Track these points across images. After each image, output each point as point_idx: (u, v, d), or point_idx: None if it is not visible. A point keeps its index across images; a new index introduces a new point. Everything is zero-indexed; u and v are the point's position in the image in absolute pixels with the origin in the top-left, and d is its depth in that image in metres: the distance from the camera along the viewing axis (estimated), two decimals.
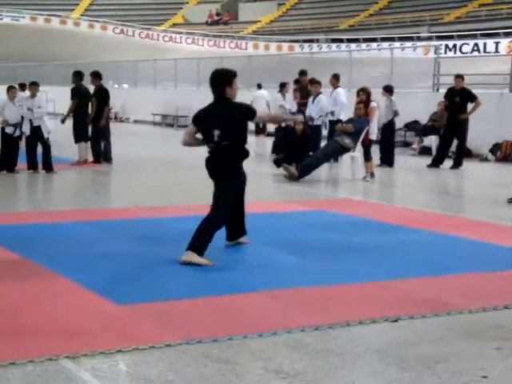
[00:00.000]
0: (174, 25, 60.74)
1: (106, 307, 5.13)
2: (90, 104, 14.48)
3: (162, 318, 4.89)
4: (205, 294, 5.45)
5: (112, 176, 13.92)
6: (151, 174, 13.48)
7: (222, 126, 6.60)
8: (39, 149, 13.27)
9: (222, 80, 6.74)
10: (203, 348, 4.33)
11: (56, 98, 26.74)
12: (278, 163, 13.63)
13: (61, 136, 15.14)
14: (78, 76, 14.63)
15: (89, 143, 14.62)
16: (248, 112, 6.83)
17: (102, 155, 14.70)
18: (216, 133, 6.63)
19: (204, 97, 28.65)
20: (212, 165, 6.80)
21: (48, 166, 13.17)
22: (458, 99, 14.79)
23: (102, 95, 14.70)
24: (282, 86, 17.22)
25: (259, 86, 23.27)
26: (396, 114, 15.33)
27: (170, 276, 6.00)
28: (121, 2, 63.65)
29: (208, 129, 6.71)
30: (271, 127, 17.29)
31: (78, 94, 14.37)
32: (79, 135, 14.38)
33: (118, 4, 63.64)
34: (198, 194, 11.36)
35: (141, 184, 12.25)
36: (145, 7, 62.27)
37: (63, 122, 14.46)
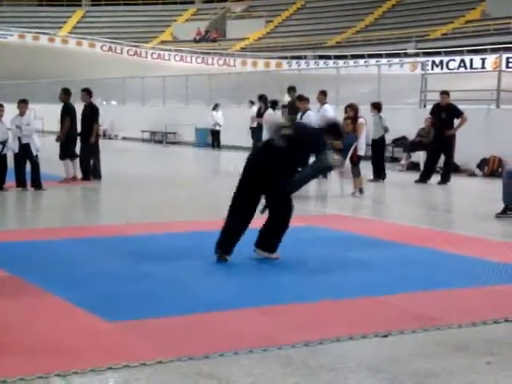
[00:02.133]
0: (163, 42, 60.87)
1: (97, 324, 5.12)
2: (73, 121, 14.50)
3: (153, 335, 4.88)
4: (196, 311, 5.44)
5: (101, 193, 13.91)
6: (141, 191, 13.48)
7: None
8: (28, 166, 13.27)
9: None
10: (194, 365, 4.33)
11: (44, 116, 26.74)
12: None
13: (50, 153, 15.12)
14: (67, 93, 14.65)
15: (77, 160, 14.62)
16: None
17: (91, 172, 14.70)
18: None
19: (192, 114, 28.81)
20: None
21: (37, 184, 13.15)
22: (444, 115, 14.88)
23: (92, 112, 14.72)
24: (275, 104, 17.24)
25: (252, 103, 23.35)
26: (386, 130, 15.49)
27: (160, 293, 5.99)
28: (109, 20, 63.78)
29: None
30: None
31: (70, 111, 14.38)
32: (65, 152, 14.36)
33: (106, 22, 63.76)
34: (187, 210, 11.38)
35: (130, 201, 12.24)
36: (133, 25, 62.41)
37: (58, 140, 14.47)
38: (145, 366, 4.30)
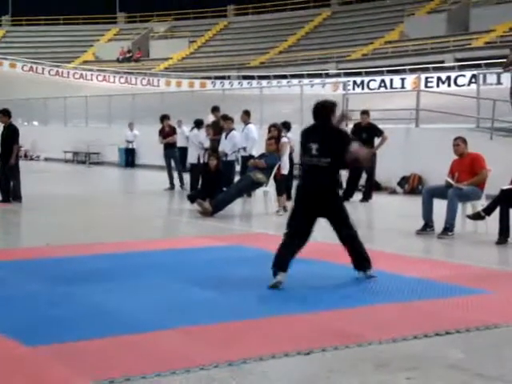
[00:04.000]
0: (85, 62, 60.29)
1: (15, 349, 5.00)
2: None
3: (73, 359, 4.80)
4: (117, 333, 5.37)
5: (21, 215, 13.63)
6: (62, 212, 13.28)
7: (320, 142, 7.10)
8: None
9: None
10: None
11: None
12: (191, 198, 13.65)
13: None
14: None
15: None
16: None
17: (11, 194, 14.41)
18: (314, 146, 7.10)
19: (116, 133, 28.49)
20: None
21: None
22: (365, 135, 15.13)
23: (12, 133, 14.47)
24: (200, 123, 17.26)
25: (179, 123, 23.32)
26: (292, 149, 15.45)
27: (81, 316, 5.90)
28: (30, 40, 62.82)
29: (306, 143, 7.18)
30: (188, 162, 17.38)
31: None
32: None
33: (27, 42, 62.78)
34: (109, 231, 11.26)
35: (51, 222, 12.04)
36: (55, 45, 61.64)
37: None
38: None
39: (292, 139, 15.58)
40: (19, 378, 4.45)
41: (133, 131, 26.28)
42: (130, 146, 26.46)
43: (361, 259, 7.38)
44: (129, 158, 26.60)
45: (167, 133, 18.45)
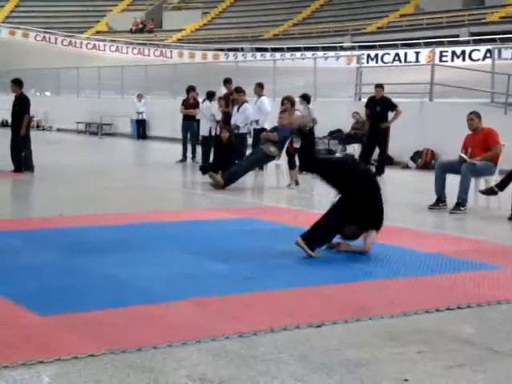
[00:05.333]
0: (98, 32, 60.16)
1: (28, 318, 5.03)
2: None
3: (85, 329, 4.82)
4: (129, 304, 5.40)
5: (34, 185, 13.69)
6: (74, 183, 13.31)
7: None
8: None
9: None
10: (127, 358, 4.29)
11: None
12: (204, 171, 13.65)
13: None
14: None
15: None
16: None
17: (23, 164, 14.45)
18: None
19: (128, 105, 28.53)
20: None
21: None
22: (379, 108, 15.07)
23: (23, 103, 14.48)
24: (211, 95, 17.20)
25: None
26: (315, 122, 15.52)
27: (93, 286, 5.92)
28: (43, 10, 62.71)
29: None
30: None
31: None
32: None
33: (40, 11, 62.67)
34: (121, 203, 11.29)
35: (64, 193, 12.08)
36: (68, 14, 61.49)
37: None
38: (76, 359, 4.25)
39: (312, 111, 15.58)
40: (31, 346, 4.48)
41: (141, 102, 26.25)
42: (140, 118, 26.44)
43: (313, 234, 7.23)
44: (140, 129, 26.57)
45: (191, 104, 18.31)
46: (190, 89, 18.44)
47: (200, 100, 18.26)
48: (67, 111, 29.82)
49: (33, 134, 15.07)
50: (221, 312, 5.27)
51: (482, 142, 10.62)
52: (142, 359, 4.28)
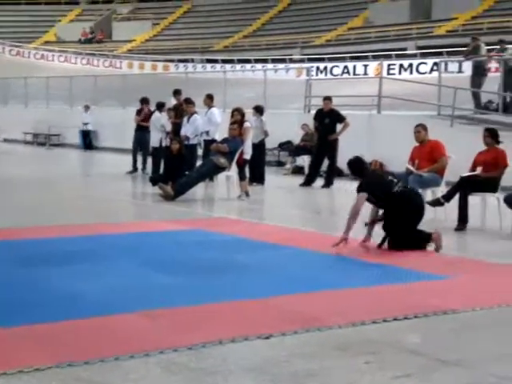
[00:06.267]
0: (47, 42, 59.53)
1: None
2: None
3: (32, 342, 4.75)
4: (78, 316, 5.34)
5: None
6: (22, 195, 13.12)
7: None
8: None
9: None
10: (74, 371, 4.24)
11: None
12: (154, 182, 13.59)
13: None
14: None
15: None
16: None
17: None
18: None
19: (77, 115, 28.16)
20: None
21: None
22: (328, 120, 15.19)
23: None
24: (161, 106, 17.13)
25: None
26: (266, 134, 15.64)
27: (41, 299, 5.84)
28: None
29: None
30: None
31: None
32: None
33: None
34: (70, 214, 11.15)
35: (11, 204, 11.89)
36: (16, 24, 60.74)
37: None
38: (22, 373, 4.18)
39: (265, 123, 15.66)
40: None
41: (87, 112, 26.10)
42: (86, 128, 26.32)
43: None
44: (86, 140, 26.45)
45: (146, 115, 18.15)
46: (144, 100, 18.38)
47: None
48: (15, 121, 29.41)
49: None
50: (170, 324, 5.25)
51: (428, 154, 10.76)
52: (89, 372, 4.23)
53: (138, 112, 18.40)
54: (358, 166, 8.97)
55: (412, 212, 8.47)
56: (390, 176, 8.80)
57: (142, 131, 18.14)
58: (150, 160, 17.07)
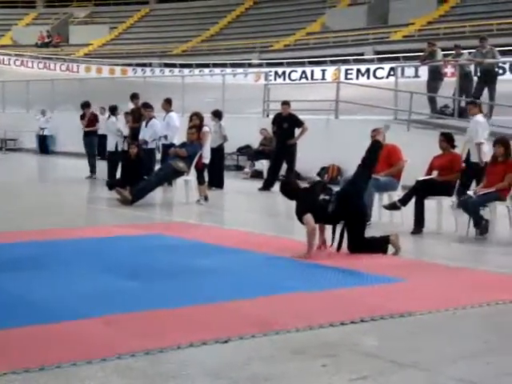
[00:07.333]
0: (2, 46, 58.78)
1: None
2: None
3: None
4: (35, 323, 5.29)
5: None
6: None
7: None
8: None
9: None
10: (29, 378, 4.20)
11: None
12: (110, 186, 13.51)
13: None
14: None
15: None
16: None
17: None
18: None
19: (33, 119, 27.82)
20: None
21: None
22: (286, 125, 15.26)
23: None
24: (114, 110, 17.04)
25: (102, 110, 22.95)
26: (225, 139, 15.68)
27: None
28: None
29: None
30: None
31: None
32: None
33: None
34: (26, 220, 11.03)
35: None
36: None
37: None
38: None
39: (224, 128, 15.67)
40: None
41: (44, 117, 25.89)
42: (42, 133, 26.11)
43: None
44: (42, 144, 26.23)
45: (89, 119, 18.16)
46: (85, 105, 18.40)
47: (106, 115, 18.07)
48: None
49: None
50: (127, 329, 5.22)
51: (385, 158, 10.85)
52: (46, 379, 4.20)
53: (82, 117, 18.37)
54: (288, 189, 8.76)
55: (355, 222, 8.41)
56: (323, 193, 8.48)
57: (89, 136, 18.14)
58: (105, 164, 16.96)
